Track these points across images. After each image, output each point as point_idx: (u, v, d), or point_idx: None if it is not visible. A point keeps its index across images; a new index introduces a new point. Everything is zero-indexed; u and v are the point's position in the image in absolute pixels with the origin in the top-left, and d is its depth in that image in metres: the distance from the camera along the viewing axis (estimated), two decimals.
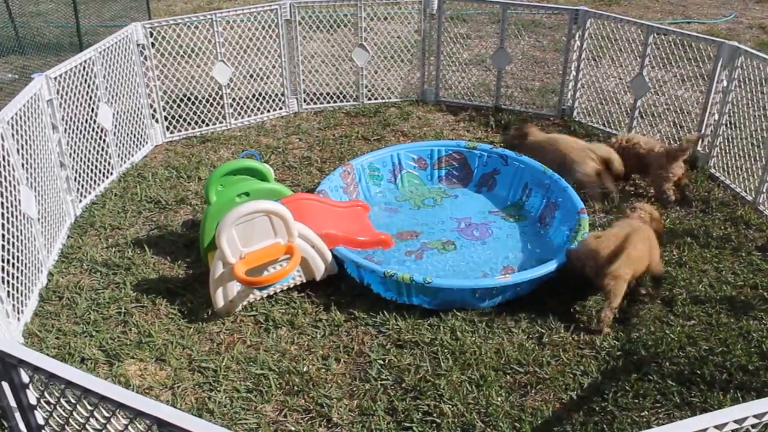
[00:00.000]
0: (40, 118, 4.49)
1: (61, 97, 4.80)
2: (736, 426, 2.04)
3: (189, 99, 6.34)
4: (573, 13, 6.19)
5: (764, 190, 5.00)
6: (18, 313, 3.88)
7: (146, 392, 3.51)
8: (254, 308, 4.08)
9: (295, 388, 3.52)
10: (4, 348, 2.34)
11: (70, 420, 2.49)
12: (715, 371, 3.58)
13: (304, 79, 6.71)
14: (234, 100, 6.45)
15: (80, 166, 5.09)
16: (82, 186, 5.14)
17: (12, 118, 4.02)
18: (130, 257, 4.55)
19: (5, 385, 2.46)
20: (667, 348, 3.73)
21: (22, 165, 4.10)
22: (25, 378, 2.45)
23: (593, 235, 4.11)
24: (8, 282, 3.76)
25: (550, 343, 3.79)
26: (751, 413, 2.04)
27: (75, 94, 4.97)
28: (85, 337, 3.88)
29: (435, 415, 3.34)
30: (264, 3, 6.33)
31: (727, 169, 5.40)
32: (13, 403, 2.52)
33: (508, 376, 3.59)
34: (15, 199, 3.93)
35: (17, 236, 3.90)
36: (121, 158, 5.65)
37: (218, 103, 6.38)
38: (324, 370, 3.64)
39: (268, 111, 6.67)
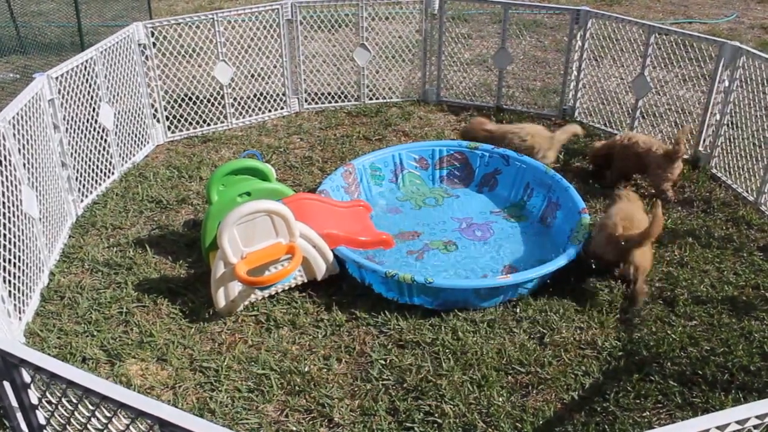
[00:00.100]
0: (41, 117, 4.49)
1: (63, 97, 4.80)
2: (738, 427, 2.03)
3: (190, 99, 6.34)
4: (574, 13, 6.18)
5: (766, 191, 4.99)
6: (19, 312, 3.88)
7: (147, 392, 3.51)
8: (256, 308, 4.08)
9: (297, 388, 3.52)
10: (5, 347, 2.34)
11: (72, 420, 2.49)
12: (716, 372, 3.58)
13: (305, 79, 6.71)
14: (235, 99, 6.45)
15: (82, 165, 5.09)
16: (84, 186, 5.15)
17: (13, 117, 4.03)
18: (131, 257, 4.55)
19: (7, 385, 2.46)
20: (668, 348, 3.73)
21: (24, 165, 4.10)
22: (27, 378, 2.45)
23: (606, 224, 4.19)
24: (10, 282, 3.76)
25: (551, 344, 3.79)
26: (753, 414, 2.04)
27: (76, 93, 4.97)
28: (87, 336, 3.88)
29: (436, 415, 3.34)
30: (265, 3, 6.33)
31: (729, 169, 5.40)
32: (14, 402, 2.52)
33: (509, 377, 3.58)
34: (17, 199, 3.93)
35: (19, 236, 3.90)
36: (123, 158, 5.66)
37: (219, 103, 6.38)
38: (325, 370, 3.64)
39: (270, 111, 6.67)
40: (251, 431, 3.30)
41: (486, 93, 7.07)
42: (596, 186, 5.38)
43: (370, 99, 6.92)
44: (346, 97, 6.91)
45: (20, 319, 3.88)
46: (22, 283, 3.92)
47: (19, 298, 3.87)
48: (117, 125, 5.50)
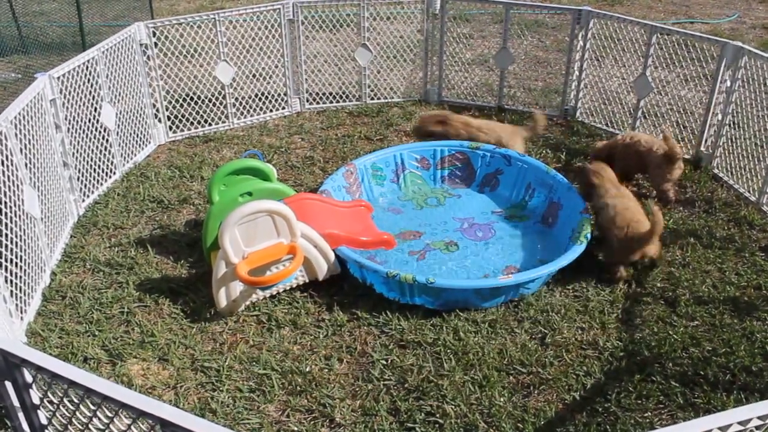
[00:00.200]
0: (43, 117, 4.50)
1: (64, 97, 4.80)
2: (740, 428, 2.03)
3: (192, 99, 6.34)
4: (576, 13, 6.18)
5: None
6: (21, 312, 3.88)
7: (149, 392, 3.51)
8: (257, 308, 4.08)
9: (298, 388, 3.52)
10: (7, 347, 2.34)
11: (73, 420, 2.50)
12: (718, 372, 3.58)
13: (306, 79, 6.71)
14: (237, 99, 6.45)
15: (83, 165, 5.10)
16: (85, 185, 5.15)
17: (15, 117, 4.03)
18: (132, 257, 4.55)
19: (8, 385, 2.47)
20: (670, 349, 3.72)
21: (25, 164, 4.11)
22: (28, 377, 2.45)
23: (614, 234, 4.29)
24: (11, 281, 3.76)
25: (553, 344, 3.79)
26: (755, 415, 2.04)
27: (78, 93, 4.97)
28: (88, 336, 3.89)
29: (438, 415, 3.34)
30: (267, 3, 6.33)
31: (731, 169, 5.39)
32: (16, 402, 2.52)
33: (511, 377, 3.58)
34: (18, 199, 3.94)
35: (20, 236, 3.90)
36: (124, 158, 5.66)
37: (221, 103, 6.38)
38: (327, 370, 3.64)
39: (271, 111, 6.68)
40: (252, 431, 3.30)
41: (487, 93, 7.07)
42: None
43: (372, 99, 6.92)
44: (347, 97, 6.91)
45: (22, 318, 3.88)
46: (24, 283, 3.93)
47: (20, 297, 3.87)
48: (118, 125, 5.50)
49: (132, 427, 2.26)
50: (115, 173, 5.54)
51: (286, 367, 3.64)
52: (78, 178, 5.03)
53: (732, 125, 5.44)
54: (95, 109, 5.22)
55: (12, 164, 3.91)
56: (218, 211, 4.26)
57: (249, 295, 4.04)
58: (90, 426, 2.45)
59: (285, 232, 4.00)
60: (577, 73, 6.38)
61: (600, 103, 6.45)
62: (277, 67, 6.54)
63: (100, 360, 3.71)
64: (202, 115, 6.38)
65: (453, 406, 3.37)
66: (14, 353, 2.33)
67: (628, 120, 6.18)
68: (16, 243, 3.84)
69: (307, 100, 6.81)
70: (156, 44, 5.85)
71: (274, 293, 4.15)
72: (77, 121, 4.99)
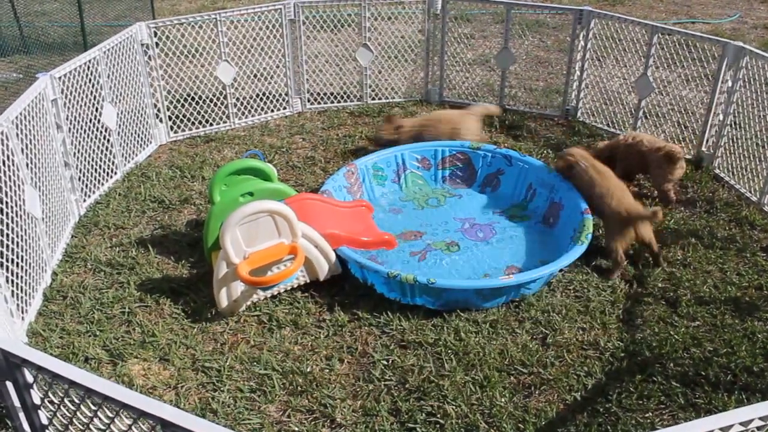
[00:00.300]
0: (44, 117, 4.50)
1: (66, 97, 4.80)
2: (741, 428, 2.03)
3: (193, 99, 6.35)
4: (577, 13, 6.17)
5: None
6: (22, 312, 3.89)
7: (150, 392, 3.51)
8: (258, 308, 4.08)
9: (299, 388, 3.52)
10: (8, 347, 2.34)
11: (74, 420, 2.50)
12: (719, 372, 3.57)
13: (307, 79, 6.71)
14: (238, 99, 6.45)
15: (84, 165, 5.10)
16: (87, 185, 5.15)
17: (16, 117, 4.03)
18: (133, 257, 4.55)
19: (9, 385, 2.47)
20: (671, 349, 3.72)
21: (27, 164, 4.11)
22: (29, 377, 2.45)
23: (613, 214, 4.44)
24: (12, 281, 3.76)
25: (554, 344, 3.78)
26: (757, 415, 2.03)
27: (79, 93, 4.97)
28: (89, 336, 3.89)
29: (439, 415, 3.34)
30: (268, 3, 6.33)
31: (732, 169, 5.39)
32: (17, 402, 2.52)
33: (511, 377, 3.58)
34: (19, 199, 3.94)
35: (22, 236, 3.91)
36: (125, 158, 5.66)
37: (222, 103, 6.38)
38: (327, 370, 3.64)
39: (272, 111, 6.68)
40: (253, 431, 3.30)
41: (488, 93, 7.06)
42: None
43: (373, 99, 6.92)
44: (348, 97, 6.91)
45: (23, 318, 3.88)
46: (25, 283, 3.93)
47: (21, 297, 3.87)
48: (120, 125, 5.50)
49: (133, 427, 2.26)
50: (116, 173, 5.54)
51: (287, 368, 3.64)
52: (79, 178, 5.03)
53: (733, 125, 5.43)
54: (96, 109, 5.22)
55: (13, 164, 3.92)
56: (219, 211, 4.26)
57: (250, 295, 4.04)
58: (91, 426, 2.45)
59: (286, 233, 4.00)
60: (578, 73, 6.38)
61: (601, 103, 6.45)
62: (278, 67, 6.54)
63: (101, 360, 3.71)
64: (203, 115, 6.38)
65: (454, 407, 3.37)
66: (15, 353, 2.33)
67: (630, 120, 6.17)
68: (18, 243, 3.84)
69: (308, 100, 6.81)
70: (157, 44, 5.85)
71: (275, 293, 4.15)
72: (78, 121, 4.99)
